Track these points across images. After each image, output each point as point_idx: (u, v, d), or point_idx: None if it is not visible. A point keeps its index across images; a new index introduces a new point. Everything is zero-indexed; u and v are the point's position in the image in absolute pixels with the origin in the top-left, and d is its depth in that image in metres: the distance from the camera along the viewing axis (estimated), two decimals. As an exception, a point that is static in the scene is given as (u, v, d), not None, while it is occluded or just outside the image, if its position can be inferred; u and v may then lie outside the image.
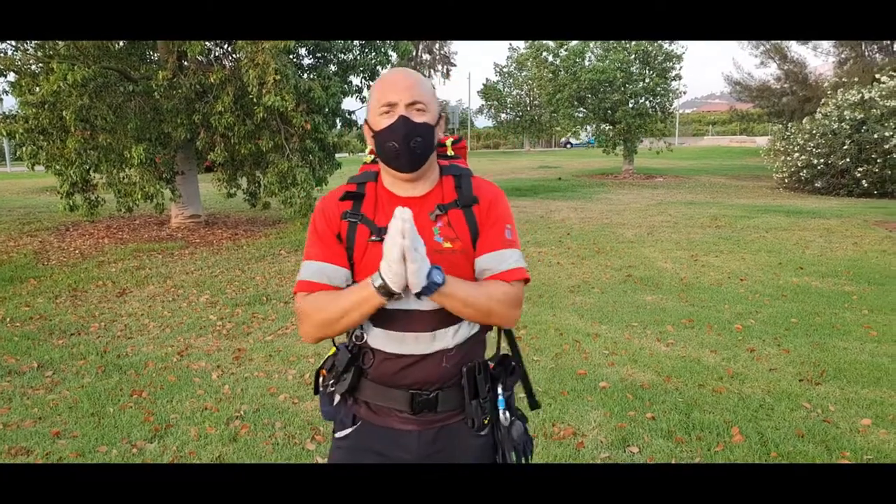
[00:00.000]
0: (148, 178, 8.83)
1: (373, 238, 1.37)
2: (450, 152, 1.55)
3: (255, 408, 3.59)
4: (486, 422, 1.42)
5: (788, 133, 16.94)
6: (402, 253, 1.17)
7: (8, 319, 5.36)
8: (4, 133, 8.62)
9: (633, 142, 20.63)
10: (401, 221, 1.17)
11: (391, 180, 1.43)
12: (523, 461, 1.45)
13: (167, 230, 10.09)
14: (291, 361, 4.31)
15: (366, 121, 1.43)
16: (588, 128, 23.06)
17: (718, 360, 4.25)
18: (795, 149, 15.96)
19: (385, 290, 1.24)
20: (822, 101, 16.92)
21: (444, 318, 1.37)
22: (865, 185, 14.49)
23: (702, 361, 4.22)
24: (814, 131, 15.72)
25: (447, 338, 1.38)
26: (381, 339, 1.39)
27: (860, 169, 14.60)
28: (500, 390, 1.45)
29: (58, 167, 8.83)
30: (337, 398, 1.47)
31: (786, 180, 16.33)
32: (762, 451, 3.03)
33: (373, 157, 1.52)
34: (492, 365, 1.50)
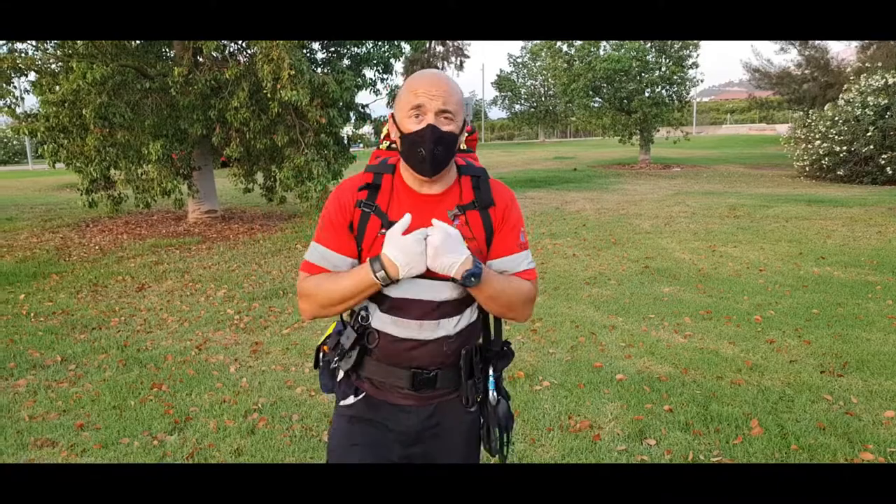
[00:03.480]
0: (165, 174, 8.95)
1: (383, 231, 1.42)
2: (462, 146, 1.59)
3: (273, 401, 3.63)
4: (477, 399, 1.56)
5: (810, 120, 16.61)
6: (433, 248, 1.32)
7: (32, 314, 5.46)
8: (26, 132, 8.77)
9: (649, 131, 20.41)
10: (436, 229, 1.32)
11: (410, 176, 1.47)
12: (505, 437, 1.58)
13: (184, 225, 10.19)
14: (308, 354, 4.34)
15: (392, 115, 1.47)
16: None
17: (737, 351, 4.21)
18: (817, 136, 15.65)
19: (386, 279, 1.35)
20: (845, 86, 16.57)
21: (451, 309, 1.48)
22: (890, 172, 14.16)
23: (720, 353, 4.18)
24: (836, 118, 15.40)
25: (450, 326, 1.49)
26: (387, 324, 1.47)
27: (884, 156, 14.29)
28: (491, 372, 1.57)
29: (78, 164, 8.98)
30: (340, 374, 1.56)
31: (807, 168, 16.03)
32: (782, 443, 3.00)
33: (387, 143, 1.58)
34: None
